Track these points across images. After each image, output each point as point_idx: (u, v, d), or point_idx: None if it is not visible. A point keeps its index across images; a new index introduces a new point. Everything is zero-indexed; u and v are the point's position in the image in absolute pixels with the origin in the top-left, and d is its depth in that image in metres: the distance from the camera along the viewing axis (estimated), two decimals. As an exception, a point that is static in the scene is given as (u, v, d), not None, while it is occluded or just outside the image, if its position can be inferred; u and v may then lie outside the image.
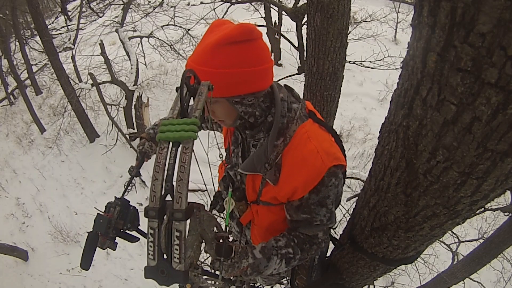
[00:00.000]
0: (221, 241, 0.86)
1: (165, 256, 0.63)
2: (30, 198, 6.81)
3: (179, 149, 0.66)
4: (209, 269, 1.04)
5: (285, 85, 1.03)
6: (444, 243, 3.65)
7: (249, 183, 1.03)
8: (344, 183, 1.03)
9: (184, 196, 0.64)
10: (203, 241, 0.85)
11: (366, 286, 1.90)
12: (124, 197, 1.15)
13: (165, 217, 0.64)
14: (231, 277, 0.96)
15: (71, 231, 5.92)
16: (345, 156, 1.00)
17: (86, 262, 1.03)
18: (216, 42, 0.78)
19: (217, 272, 0.88)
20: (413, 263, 1.20)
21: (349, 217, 1.18)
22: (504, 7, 0.35)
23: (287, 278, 1.53)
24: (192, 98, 0.72)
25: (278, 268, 0.94)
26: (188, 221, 0.65)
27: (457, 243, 3.73)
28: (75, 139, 7.86)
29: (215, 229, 0.87)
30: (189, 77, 0.70)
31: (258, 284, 1.55)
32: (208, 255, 1.22)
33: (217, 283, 1.01)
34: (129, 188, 1.31)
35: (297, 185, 0.91)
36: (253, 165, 0.96)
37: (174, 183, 0.64)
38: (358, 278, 1.23)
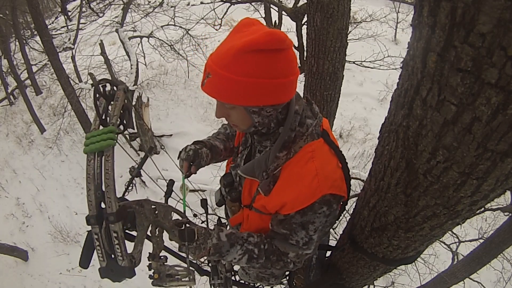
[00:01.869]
0: (183, 227, 0.92)
1: (112, 256, 0.71)
2: (30, 198, 6.81)
3: (103, 158, 0.73)
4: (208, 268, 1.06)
5: (307, 97, 0.99)
6: (444, 243, 3.65)
7: (246, 186, 1.02)
8: (339, 215, 1.00)
9: (113, 200, 0.73)
10: (164, 231, 0.94)
11: (366, 286, 1.90)
12: (125, 197, 1.15)
13: (104, 222, 0.72)
14: (200, 260, 0.98)
15: (71, 231, 5.92)
16: (349, 186, 0.93)
17: (85, 261, 1.03)
18: (241, 47, 0.72)
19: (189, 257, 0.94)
20: (413, 263, 1.20)
21: (349, 217, 1.18)
22: (504, 7, 0.35)
23: (286, 278, 1.54)
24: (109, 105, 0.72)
25: (238, 260, 0.95)
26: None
27: (457, 243, 3.73)
28: (75, 139, 7.86)
29: (175, 216, 0.96)
30: (103, 85, 0.69)
31: (258, 284, 1.55)
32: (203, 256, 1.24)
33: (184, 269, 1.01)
34: (130, 188, 1.31)
35: (287, 201, 0.88)
36: (252, 170, 0.94)
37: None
38: (358, 278, 1.23)
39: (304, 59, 2.62)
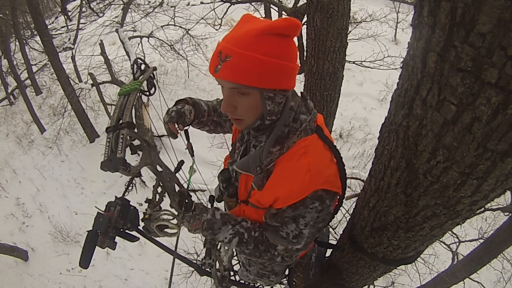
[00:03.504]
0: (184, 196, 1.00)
1: (113, 151, 0.93)
2: (30, 198, 6.81)
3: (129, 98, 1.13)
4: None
5: (302, 93, 0.99)
6: (444, 243, 3.65)
7: (242, 181, 1.03)
8: (335, 212, 0.99)
9: (128, 117, 1.05)
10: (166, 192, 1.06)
11: (366, 286, 1.91)
12: (125, 197, 1.15)
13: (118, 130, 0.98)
14: (193, 233, 1.02)
15: (71, 231, 5.92)
16: (344, 182, 0.93)
17: (85, 261, 1.03)
18: (264, 28, 0.76)
19: (180, 224, 1.02)
20: (413, 263, 1.20)
21: (349, 217, 1.18)
22: (504, 7, 0.35)
23: (286, 277, 1.54)
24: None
25: (227, 240, 0.98)
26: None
27: (457, 243, 3.73)
28: (75, 139, 7.86)
29: (176, 187, 1.07)
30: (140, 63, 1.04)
31: (258, 284, 1.55)
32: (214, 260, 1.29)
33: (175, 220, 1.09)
34: (130, 188, 1.31)
35: (279, 195, 0.89)
36: (247, 165, 0.94)
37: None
38: (358, 278, 1.23)
39: (304, 59, 2.63)
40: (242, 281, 1.51)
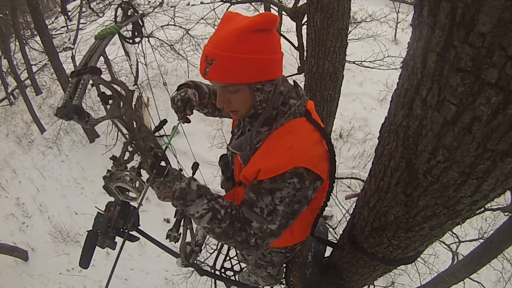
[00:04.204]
0: (158, 158, 0.94)
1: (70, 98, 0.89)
2: (30, 198, 6.81)
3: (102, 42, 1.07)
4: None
5: (294, 81, 1.04)
6: (444, 243, 3.65)
7: (237, 163, 1.06)
8: (314, 194, 0.93)
9: (94, 62, 0.97)
10: (138, 151, 0.99)
11: (366, 286, 1.91)
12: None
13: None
14: (162, 200, 0.94)
15: (71, 231, 5.92)
16: (332, 168, 0.94)
17: (85, 261, 1.03)
18: (243, 28, 0.80)
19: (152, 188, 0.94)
20: (413, 263, 1.20)
21: (349, 217, 1.18)
22: (504, 7, 0.35)
23: (283, 277, 1.54)
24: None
25: (200, 215, 0.91)
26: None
27: (457, 243, 3.73)
28: (75, 139, 7.86)
29: (152, 145, 1.01)
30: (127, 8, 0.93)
31: (259, 285, 1.55)
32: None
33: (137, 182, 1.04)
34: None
35: (261, 167, 0.90)
36: (240, 146, 1.00)
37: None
38: (358, 278, 1.23)
39: (304, 59, 2.63)
40: (242, 281, 1.51)
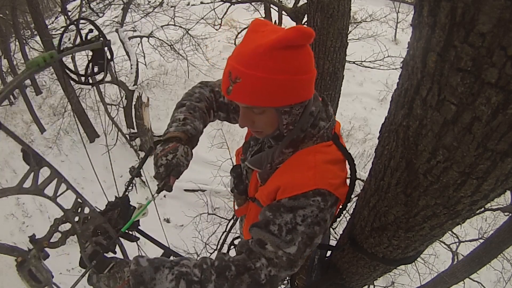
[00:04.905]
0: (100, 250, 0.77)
1: None
2: (30, 198, 6.81)
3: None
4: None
5: (323, 98, 0.95)
6: (444, 243, 3.66)
7: (253, 179, 1.02)
8: (331, 219, 0.85)
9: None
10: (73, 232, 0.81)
11: (366, 286, 1.90)
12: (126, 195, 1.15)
13: None
14: None
15: (71, 231, 5.92)
16: (350, 193, 0.88)
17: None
18: (272, 44, 0.70)
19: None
20: (413, 263, 1.19)
21: (349, 217, 1.18)
22: (504, 7, 0.35)
23: (288, 278, 1.54)
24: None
25: (173, 287, 0.73)
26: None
27: (457, 243, 3.73)
28: (75, 139, 7.87)
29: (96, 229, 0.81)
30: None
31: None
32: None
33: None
34: (130, 188, 1.31)
35: (280, 184, 0.83)
36: (259, 162, 0.92)
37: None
38: (358, 278, 1.23)
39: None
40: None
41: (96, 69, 1.01)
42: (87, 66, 0.99)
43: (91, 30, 0.97)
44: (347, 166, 0.93)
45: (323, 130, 0.87)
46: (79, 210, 0.84)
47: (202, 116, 1.05)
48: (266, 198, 0.90)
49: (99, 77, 1.05)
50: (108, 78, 6.73)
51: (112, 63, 0.99)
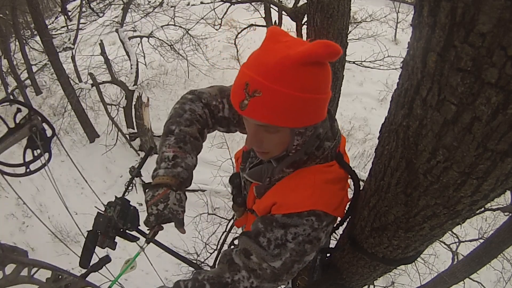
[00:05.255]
0: None
1: None
2: (30, 198, 6.81)
3: None
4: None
5: (329, 110, 0.88)
6: (444, 243, 3.66)
7: (252, 191, 0.99)
8: (326, 237, 0.84)
9: None
10: None
11: (366, 286, 1.90)
12: (125, 197, 1.15)
13: None
14: None
15: (71, 231, 5.92)
16: (350, 212, 0.88)
17: (85, 261, 1.03)
18: (300, 57, 0.63)
19: None
20: (413, 263, 1.19)
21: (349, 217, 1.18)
22: (504, 7, 0.35)
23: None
24: None
25: None
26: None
27: (457, 243, 3.73)
28: (75, 139, 7.87)
29: None
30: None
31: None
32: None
33: None
34: (130, 188, 1.31)
35: (276, 201, 0.82)
36: (259, 176, 0.90)
37: None
38: (358, 278, 1.23)
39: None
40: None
41: (36, 153, 0.86)
42: (24, 153, 0.86)
43: (19, 110, 0.84)
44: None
45: (327, 151, 0.83)
46: (59, 277, 0.80)
47: (194, 146, 0.94)
48: (262, 212, 0.89)
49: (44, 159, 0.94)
50: (108, 78, 6.74)
51: (55, 138, 0.82)
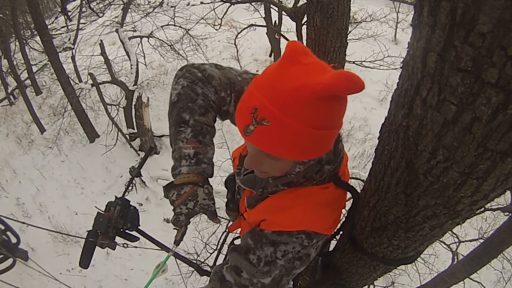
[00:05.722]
0: None
1: None
2: (30, 198, 6.81)
3: None
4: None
5: None
6: (444, 243, 3.65)
7: (244, 196, 0.99)
8: (317, 252, 0.84)
9: None
10: None
11: (366, 286, 1.90)
12: (125, 197, 1.15)
13: None
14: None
15: (71, 231, 5.92)
16: (338, 228, 0.88)
17: (85, 261, 1.03)
18: (319, 90, 0.57)
19: None
20: (413, 263, 1.19)
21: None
22: (504, 7, 0.35)
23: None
24: None
25: None
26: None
27: (457, 243, 3.73)
28: (75, 139, 7.86)
29: None
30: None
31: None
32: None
33: None
34: (130, 188, 1.31)
35: (266, 218, 0.82)
36: (253, 184, 0.89)
37: None
38: (358, 278, 1.23)
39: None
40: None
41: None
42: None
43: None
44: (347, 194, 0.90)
45: (326, 175, 0.81)
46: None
47: (212, 135, 0.89)
48: (252, 222, 0.88)
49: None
50: (108, 78, 6.74)
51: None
